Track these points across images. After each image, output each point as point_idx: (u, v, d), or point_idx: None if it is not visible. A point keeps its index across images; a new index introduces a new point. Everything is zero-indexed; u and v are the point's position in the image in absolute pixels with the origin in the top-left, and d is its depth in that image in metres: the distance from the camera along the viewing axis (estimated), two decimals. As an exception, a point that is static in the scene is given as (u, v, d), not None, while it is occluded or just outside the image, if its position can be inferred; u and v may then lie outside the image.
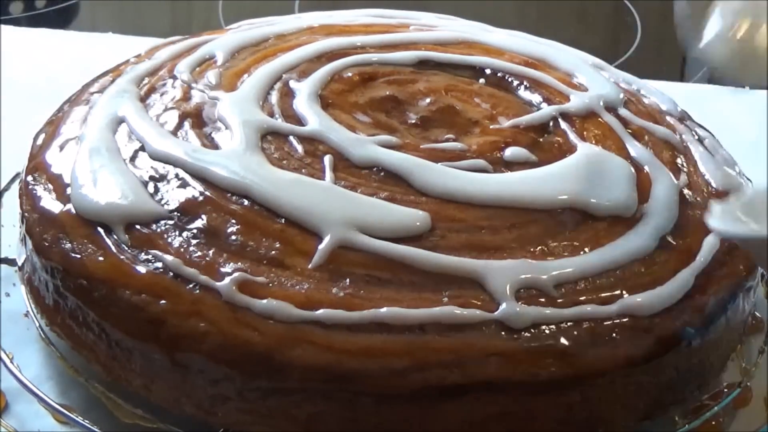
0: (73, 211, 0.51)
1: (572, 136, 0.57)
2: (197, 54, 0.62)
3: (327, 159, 0.53)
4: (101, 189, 0.52)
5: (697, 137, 0.61)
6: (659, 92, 0.65)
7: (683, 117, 0.63)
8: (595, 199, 0.53)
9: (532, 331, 0.47)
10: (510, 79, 0.62)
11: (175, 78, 0.60)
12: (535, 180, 0.54)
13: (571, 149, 0.56)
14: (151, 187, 0.52)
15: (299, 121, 0.56)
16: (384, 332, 0.46)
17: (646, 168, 0.56)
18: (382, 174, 0.53)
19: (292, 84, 0.59)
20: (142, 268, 0.48)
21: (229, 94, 0.58)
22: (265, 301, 0.47)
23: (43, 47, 0.81)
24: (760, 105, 0.78)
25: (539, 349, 0.47)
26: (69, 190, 0.52)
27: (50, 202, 0.53)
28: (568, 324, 0.47)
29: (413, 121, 0.58)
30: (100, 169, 0.53)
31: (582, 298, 0.48)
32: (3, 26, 0.82)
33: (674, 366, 0.49)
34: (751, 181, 0.59)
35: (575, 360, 0.47)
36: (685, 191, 0.56)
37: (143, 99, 0.58)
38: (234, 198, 0.51)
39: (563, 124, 0.58)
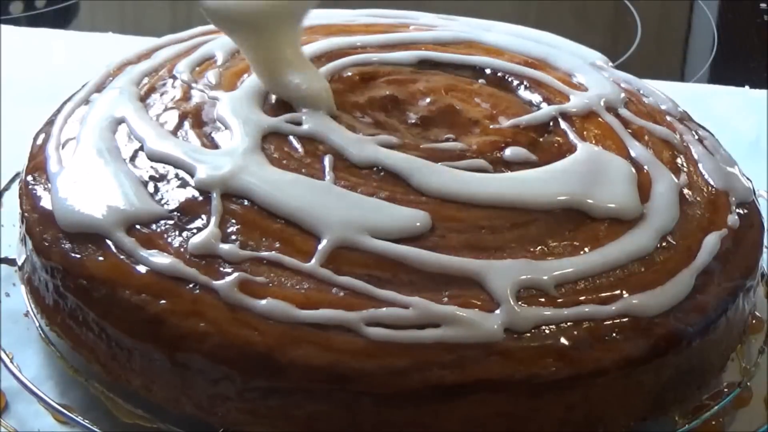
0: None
1: (572, 136, 0.57)
2: (197, 54, 0.62)
3: (327, 159, 0.53)
4: (98, 194, 0.52)
5: (697, 137, 0.61)
6: (659, 92, 0.65)
7: (683, 117, 0.63)
8: (596, 199, 0.53)
9: (533, 331, 0.47)
10: (510, 79, 0.62)
11: (174, 78, 0.60)
12: (535, 180, 0.54)
13: (571, 149, 0.56)
14: (151, 187, 0.52)
15: (299, 120, 0.56)
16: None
17: (646, 168, 0.56)
18: (382, 174, 0.53)
19: (292, 84, 0.59)
20: (142, 268, 0.48)
21: (229, 93, 0.58)
22: (265, 301, 0.47)
23: (43, 47, 0.81)
24: (760, 105, 0.78)
25: (539, 349, 0.47)
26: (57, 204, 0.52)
27: (50, 202, 0.52)
28: (568, 324, 0.47)
29: (413, 121, 0.58)
30: (98, 171, 0.53)
31: (582, 298, 0.48)
32: (3, 26, 0.82)
33: (674, 366, 0.49)
34: (750, 181, 0.59)
35: (575, 360, 0.47)
36: (685, 191, 0.56)
37: (143, 99, 0.58)
38: (234, 198, 0.51)
39: (563, 124, 0.58)
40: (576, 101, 0.60)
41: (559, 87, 0.62)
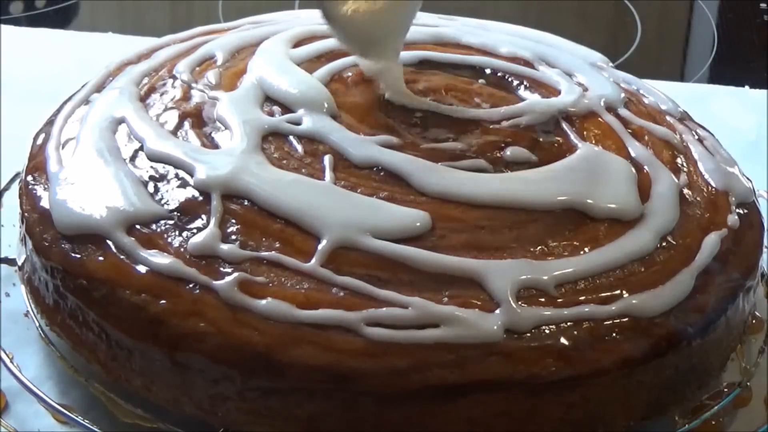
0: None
1: (572, 136, 0.57)
2: (197, 54, 0.62)
3: (327, 159, 0.53)
4: (98, 195, 0.51)
5: (697, 137, 0.61)
6: (659, 92, 0.65)
7: (683, 117, 0.63)
8: (596, 199, 0.53)
9: (533, 331, 0.47)
10: (510, 79, 0.62)
11: (174, 78, 0.60)
12: (535, 180, 0.54)
13: (571, 149, 0.56)
14: (151, 187, 0.52)
15: (299, 120, 0.56)
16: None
17: (646, 168, 0.56)
18: (382, 174, 0.53)
19: (292, 84, 0.59)
20: (142, 268, 0.48)
21: (229, 93, 0.58)
22: (265, 301, 0.47)
23: (43, 47, 0.81)
24: (760, 105, 0.78)
25: (539, 349, 0.47)
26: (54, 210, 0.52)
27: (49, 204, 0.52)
28: (568, 324, 0.47)
29: (413, 121, 0.58)
30: (98, 171, 0.53)
31: (582, 298, 0.48)
32: (3, 26, 0.82)
33: (674, 366, 0.49)
34: (751, 181, 0.59)
35: (575, 360, 0.47)
36: (685, 191, 0.56)
37: (143, 99, 0.58)
38: (234, 198, 0.51)
39: (563, 124, 0.58)
40: (576, 101, 0.60)
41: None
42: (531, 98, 0.60)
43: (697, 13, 1.03)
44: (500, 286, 0.48)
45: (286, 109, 0.57)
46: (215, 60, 0.62)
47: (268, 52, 0.61)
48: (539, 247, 0.50)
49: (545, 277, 0.49)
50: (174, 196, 0.51)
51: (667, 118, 0.62)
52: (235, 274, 0.48)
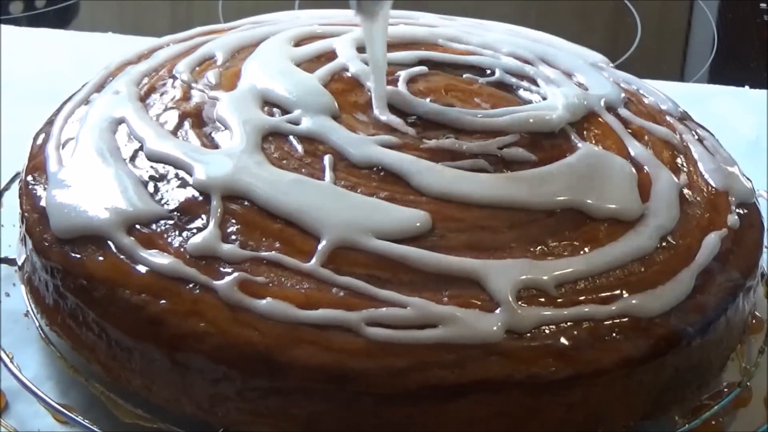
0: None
1: (572, 136, 0.57)
2: (197, 54, 0.62)
3: (327, 159, 0.53)
4: (98, 195, 0.51)
5: (697, 137, 0.61)
6: (659, 92, 0.65)
7: (683, 117, 0.63)
8: (596, 200, 0.53)
9: (533, 331, 0.47)
10: (510, 79, 0.62)
11: (174, 78, 0.60)
12: (535, 180, 0.54)
13: (571, 149, 0.56)
14: (151, 187, 0.52)
15: (299, 120, 0.56)
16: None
17: (646, 168, 0.56)
18: (382, 174, 0.53)
19: (292, 84, 0.59)
20: (142, 268, 0.48)
21: (229, 93, 0.58)
22: (265, 301, 0.47)
23: (43, 47, 0.81)
24: (760, 105, 0.78)
25: (539, 349, 0.47)
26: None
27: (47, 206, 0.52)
28: (568, 324, 0.47)
29: (413, 121, 0.58)
30: (98, 171, 0.53)
31: (582, 298, 0.48)
32: (3, 26, 0.82)
33: (674, 366, 0.49)
34: (751, 181, 0.59)
35: (575, 360, 0.47)
36: (685, 191, 0.56)
37: (143, 99, 0.58)
38: (234, 198, 0.51)
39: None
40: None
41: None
42: (523, 113, 0.59)
43: (697, 13, 1.03)
44: (500, 286, 0.48)
45: (287, 109, 0.57)
46: (215, 60, 0.62)
47: (267, 53, 0.61)
48: (539, 247, 0.50)
49: (545, 277, 0.49)
50: (174, 196, 0.51)
51: (667, 118, 0.62)
52: (235, 274, 0.48)
